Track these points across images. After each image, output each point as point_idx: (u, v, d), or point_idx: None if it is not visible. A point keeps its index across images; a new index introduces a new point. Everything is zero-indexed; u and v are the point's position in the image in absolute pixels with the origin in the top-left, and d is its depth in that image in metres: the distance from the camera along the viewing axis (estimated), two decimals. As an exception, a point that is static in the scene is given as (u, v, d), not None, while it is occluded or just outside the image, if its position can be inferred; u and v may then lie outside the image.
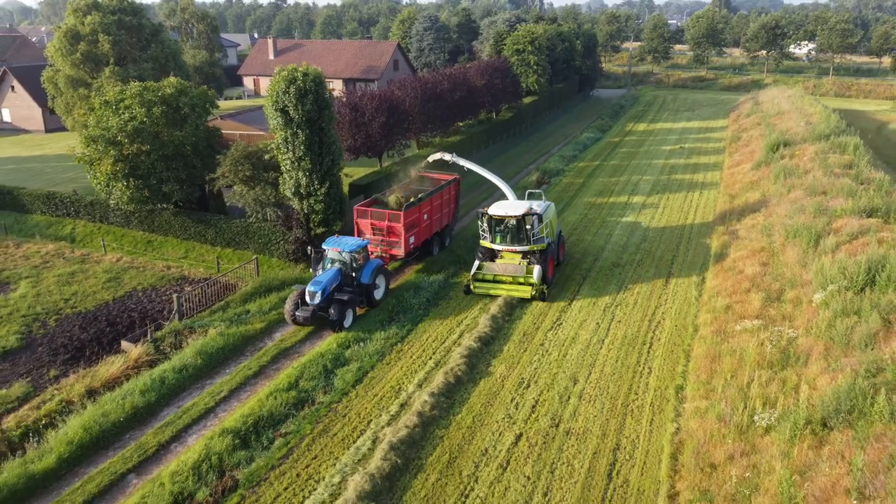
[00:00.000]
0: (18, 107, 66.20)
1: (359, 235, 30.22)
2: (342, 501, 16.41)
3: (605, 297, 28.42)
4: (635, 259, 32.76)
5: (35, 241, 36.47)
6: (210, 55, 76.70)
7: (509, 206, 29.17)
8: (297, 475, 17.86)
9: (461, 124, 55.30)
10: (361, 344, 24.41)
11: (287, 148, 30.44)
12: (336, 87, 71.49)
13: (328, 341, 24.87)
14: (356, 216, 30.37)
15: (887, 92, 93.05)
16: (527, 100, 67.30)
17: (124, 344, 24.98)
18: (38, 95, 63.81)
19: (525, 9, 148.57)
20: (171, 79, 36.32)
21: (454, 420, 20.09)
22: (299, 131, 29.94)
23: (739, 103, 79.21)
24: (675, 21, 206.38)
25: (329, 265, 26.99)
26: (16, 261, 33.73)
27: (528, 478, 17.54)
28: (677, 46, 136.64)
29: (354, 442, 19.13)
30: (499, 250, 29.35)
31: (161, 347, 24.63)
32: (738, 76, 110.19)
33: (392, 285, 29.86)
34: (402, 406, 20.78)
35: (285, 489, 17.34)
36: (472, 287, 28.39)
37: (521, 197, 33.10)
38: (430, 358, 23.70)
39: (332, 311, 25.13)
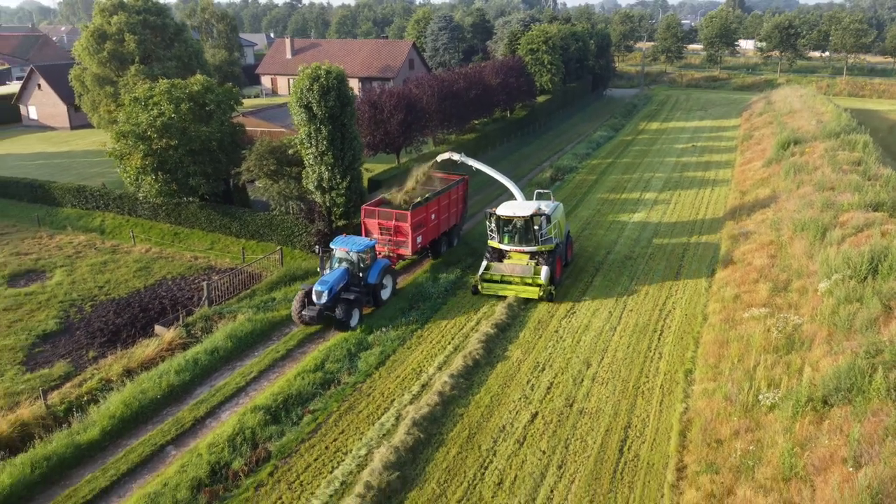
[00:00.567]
0: (44, 104, 67.89)
1: (366, 235, 30.28)
2: (369, 471, 17.51)
3: (617, 288, 29.37)
4: (647, 252, 33.66)
5: (67, 233, 37.89)
6: (229, 54, 78.16)
7: (517, 207, 29.21)
8: (326, 448, 18.99)
9: (476, 122, 56.32)
10: (384, 329, 25.51)
11: (310, 143, 31.58)
12: (353, 86, 72.63)
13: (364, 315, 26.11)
14: (363, 216, 30.49)
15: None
16: (541, 98, 68.22)
17: (157, 328, 26.24)
18: (64, 93, 65.47)
19: (539, 9, 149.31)
20: (198, 76, 37.66)
21: (473, 399, 21.16)
22: (322, 127, 31.07)
23: (752, 103, 79.70)
24: (688, 21, 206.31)
25: (336, 265, 26.99)
26: (50, 251, 35.13)
27: (544, 452, 18.57)
28: (690, 46, 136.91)
29: (379, 418, 20.24)
30: (507, 251, 29.33)
31: (192, 331, 25.85)
32: (751, 76, 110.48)
33: (411, 276, 30.90)
34: (423, 386, 21.86)
35: (315, 460, 18.47)
36: (479, 287, 28.44)
37: (529, 197, 33.34)
38: (449, 343, 24.76)
39: (338, 310, 25.07)
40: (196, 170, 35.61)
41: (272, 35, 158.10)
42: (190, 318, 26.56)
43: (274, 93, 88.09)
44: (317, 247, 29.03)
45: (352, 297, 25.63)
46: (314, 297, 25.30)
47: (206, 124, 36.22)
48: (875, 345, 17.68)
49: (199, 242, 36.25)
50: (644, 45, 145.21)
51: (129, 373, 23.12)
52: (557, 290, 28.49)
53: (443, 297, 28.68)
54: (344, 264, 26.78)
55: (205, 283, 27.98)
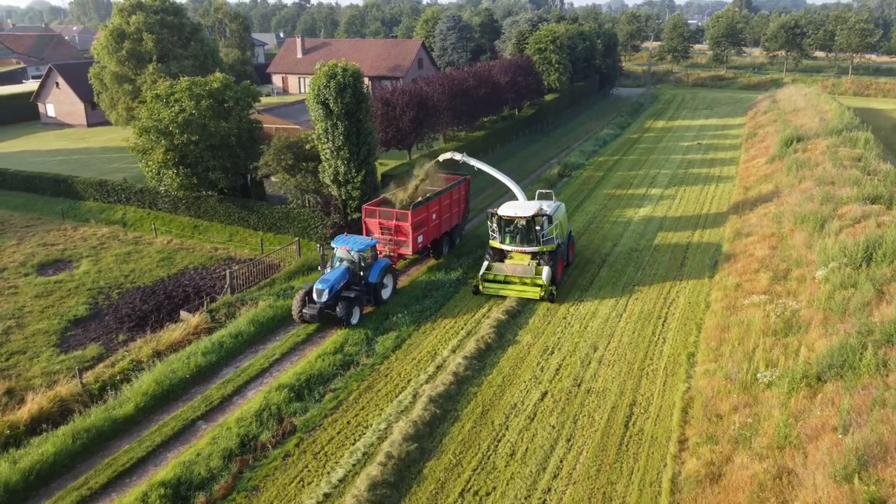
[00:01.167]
0: (62, 102, 69.36)
1: (367, 234, 30.37)
2: (389, 442, 18.68)
3: (623, 278, 30.44)
4: (652, 245, 34.71)
5: (90, 225, 39.22)
6: (242, 53, 79.52)
7: (519, 207, 29.18)
8: (348, 422, 20.15)
9: (486, 120, 57.43)
10: (399, 315, 26.67)
11: (327, 138, 32.74)
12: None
13: (367, 314, 27.18)
14: (364, 215, 30.59)
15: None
16: (548, 97, 69.31)
17: (183, 314, 27.46)
18: (81, 91, 66.96)
19: (546, 9, 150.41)
20: (217, 74, 38.89)
21: (486, 380, 22.29)
22: (339, 123, 32.22)
23: (757, 101, 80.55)
24: (695, 21, 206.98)
25: (337, 263, 27.14)
26: (75, 242, 36.44)
27: (553, 427, 19.69)
28: (697, 46, 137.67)
29: (397, 396, 21.40)
30: (508, 251, 29.29)
31: (216, 317, 27.06)
32: (757, 75, 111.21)
33: (423, 267, 32.01)
34: (438, 368, 23.01)
35: (338, 433, 19.64)
36: (480, 287, 28.46)
37: (531, 197, 33.47)
38: (462, 328, 25.90)
39: (338, 308, 25.17)
40: (215, 164, 36.83)
41: (281, 35, 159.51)
42: (213, 305, 27.78)
43: (285, 91, 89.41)
44: (318, 245, 29.10)
45: (352, 295, 25.71)
46: (315, 296, 25.44)
47: (225, 120, 37.42)
48: (867, 325, 18.74)
49: (218, 234, 37.47)
50: (650, 44, 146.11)
51: (157, 354, 24.33)
52: (561, 286, 29.43)
53: (455, 285, 29.77)
54: (345, 263, 26.90)
55: (228, 272, 29.22)
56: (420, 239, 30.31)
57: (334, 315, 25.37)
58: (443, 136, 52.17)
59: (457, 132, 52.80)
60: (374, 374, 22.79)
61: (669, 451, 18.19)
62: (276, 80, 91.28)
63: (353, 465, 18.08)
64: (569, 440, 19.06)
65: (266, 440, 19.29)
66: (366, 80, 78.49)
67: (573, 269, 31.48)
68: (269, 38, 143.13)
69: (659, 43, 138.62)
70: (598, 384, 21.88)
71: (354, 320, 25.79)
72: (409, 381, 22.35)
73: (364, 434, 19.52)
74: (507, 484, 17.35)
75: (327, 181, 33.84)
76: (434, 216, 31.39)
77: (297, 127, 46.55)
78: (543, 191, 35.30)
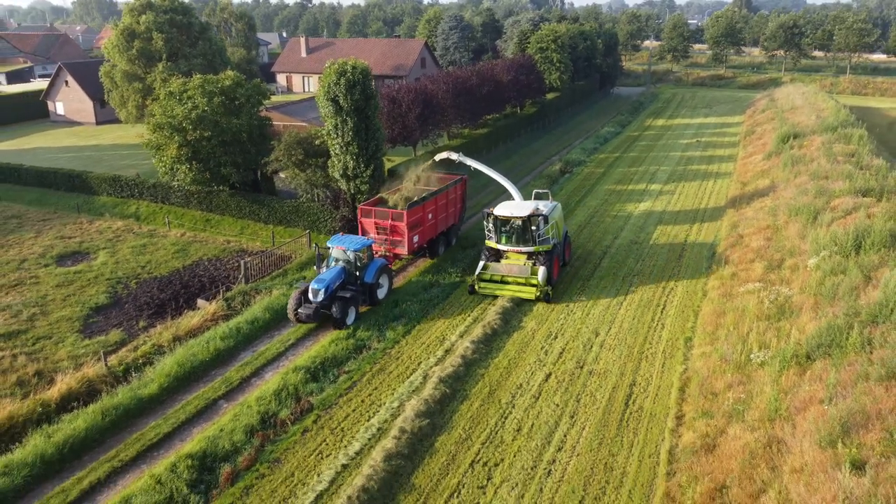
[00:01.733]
0: (71, 100, 70.42)
1: (363, 234, 30.47)
2: (402, 419, 19.76)
3: (623, 269, 31.51)
4: (651, 237, 35.79)
5: (105, 219, 40.30)
6: (248, 52, 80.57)
7: (515, 207, 29.18)
8: (362, 401, 21.23)
9: (488, 118, 58.49)
10: (408, 303, 27.74)
11: (337, 134, 33.74)
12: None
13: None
14: (360, 215, 30.64)
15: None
16: (550, 96, 70.38)
17: (200, 302, 28.53)
18: (90, 90, 68.02)
19: (548, 9, 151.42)
20: (229, 72, 39.94)
21: (492, 362, 23.37)
22: (348, 119, 33.22)
23: (756, 100, 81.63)
24: (695, 21, 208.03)
25: (333, 263, 27.11)
26: (91, 235, 37.51)
27: (557, 405, 20.77)
28: (696, 46, 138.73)
29: (408, 377, 22.48)
30: (504, 251, 29.27)
31: (232, 305, 28.12)
32: (756, 75, 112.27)
33: (433, 260, 33.03)
34: (447, 351, 24.10)
35: (353, 411, 20.72)
36: (476, 287, 28.41)
37: (527, 196, 34.02)
38: (469, 315, 26.98)
39: (334, 308, 25.17)
40: (227, 160, 37.86)
41: (284, 34, 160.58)
42: (229, 294, 28.85)
43: (289, 90, 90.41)
44: (314, 244, 29.28)
45: (348, 295, 25.74)
46: (310, 296, 25.52)
47: (236, 117, 38.43)
48: (854, 308, 19.82)
49: (230, 228, 38.51)
50: (651, 44, 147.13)
51: (177, 340, 25.38)
52: (564, 276, 30.44)
53: (461, 275, 30.80)
54: (341, 263, 26.90)
55: (242, 262, 30.28)
56: (416, 239, 30.34)
57: (330, 315, 25.38)
58: (447, 134, 53.20)
59: (460, 129, 53.85)
60: (385, 358, 23.87)
61: (667, 426, 19.28)
62: (281, 79, 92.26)
63: (369, 440, 19.16)
64: (572, 417, 20.14)
65: (285, 417, 20.36)
66: (370, 79, 79.70)
67: (575, 260, 32.56)
68: (271, 38, 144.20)
69: (659, 43, 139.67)
70: (600, 366, 22.96)
71: (350, 320, 25.77)
72: (419, 363, 23.43)
73: (378, 412, 20.59)
74: (515, 456, 18.43)
75: (336, 176, 34.85)
76: (430, 216, 31.38)
77: (304, 124, 47.59)
78: (540, 191, 35.65)
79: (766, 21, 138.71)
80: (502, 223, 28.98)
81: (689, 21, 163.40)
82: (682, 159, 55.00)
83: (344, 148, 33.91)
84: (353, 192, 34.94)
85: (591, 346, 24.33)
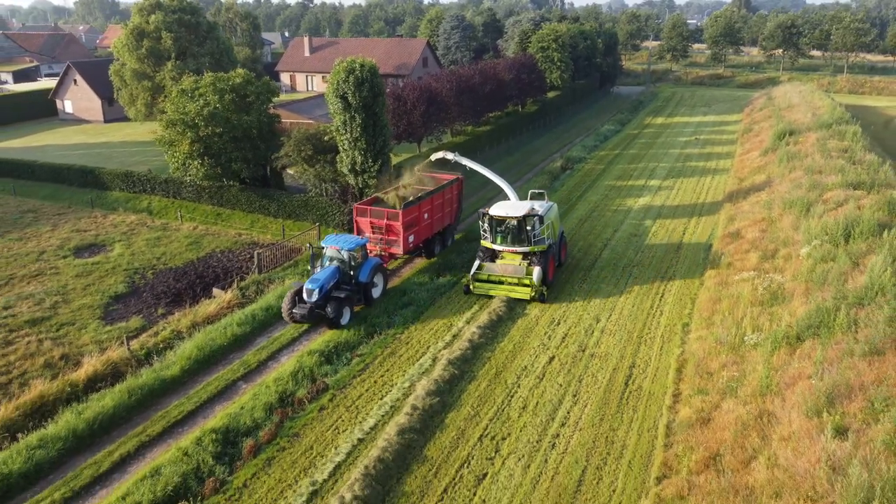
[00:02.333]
0: (80, 99, 71.53)
1: (358, 234, 30.44)
2: (414, 397, 20.84)
3: (623, 260, 32.60)
4: (651, 230, 36.87)
5: (119, 213, 41.38)
6: (252, 52, 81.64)
7: (510, 207, 29.15)
8: (375, 382, 22.32)
9: (491, 115, 59.58)
10: (416, 291, 28.82)
11: (345, 130, 34.84)
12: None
13: (394, 283, 29.34)
14: (356, 214, 30.63)
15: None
16: (551, 94, 71.48)
17: (215, 291, 29.60)
18: (98, 88, 69.13)
19: (548, 9, 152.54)
20: (240, 70, 41.03)
21: (498, 346, 24.46)
22: (356, 115, 34.31)
23: (754, 99, 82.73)
24: (694, 20, 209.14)
25: (328, 263, 27.08)
26: (106, 228, 38.60)
27: (561, 385, 21.85)
28: (696, 45, 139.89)
29: (418, 360, 23.58)
30: (499, 251, 29.27)
31: (247, 293, 29.20)
32: (754, 74, 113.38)
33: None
34: (454, 336, 25.18)
35: (367, 390, 21.81)
36: (471, 287, 28.38)
37: (523, 197, 33.66)
38: (476, 302, 28.05)
39: (329, 308, 25.05)
40: (238, 155, 38.91)
41: (286, 34, 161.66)
42: (243, 283, 29.93)
43: (293, 89, 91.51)
44: (308, 244, 29.34)
45: (342, 295, 25.60)
46: (305, 296, 25.41)
47: (246, 114, 39.49)
48: (842, 292, 20.91)
49: (240, 222, 39.56)
50: (650, 44, 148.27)
51: (195, 326, 26.44)
52: (566, 267, 31.45)
53: (468, 266, 31.80)
54: (335, 262, 26.86)
55: (256, 253, 31.37)
56: (411, 239, 30.37)
57: (324, 315, 25.31)
58: (451, 131, 54.27)
59: (464, 127, 54.93)
60: (395, 342, 24.95)
61: (665, 403, 20.37)
62: (284, 78, 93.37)
63: (382, 416, 20.25)
64: (574, 396, 21.23)
65: (302, 396, 21.43)
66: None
67: (577, 252, 33.64)
68: (274, 38, 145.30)
69: (658, 42, 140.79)
70: (601, 350, 24.06)
71: (344, 320, 25.69)
72: (428, 347, 24.51)
73: (390, 391, 21.68)
74: (521, 431, 19.52)
75: (345, 171, 35.94)
76: (426, 216, 31.38)
77: (311, 121, 48.66)
78: (535, 191, 35.71)
79: (764, 21, 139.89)
80: (498, 223, 28.89)
81: (689, 21, 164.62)
82: (680, 156, 56.09)
83: (352, 143, 34.99)
84: (361, 186, 36.02)
85: (593, 332, 25.41)
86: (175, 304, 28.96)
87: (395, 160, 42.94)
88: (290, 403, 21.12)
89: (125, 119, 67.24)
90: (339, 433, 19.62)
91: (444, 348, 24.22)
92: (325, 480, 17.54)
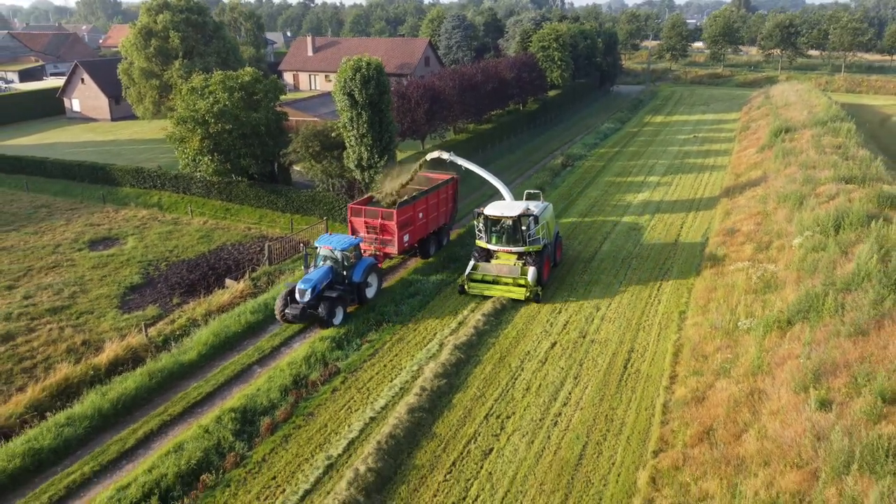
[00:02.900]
0: (87, 97, 72.56)
1: (353, 234, 30.40)
2: (422, 379, 21.83)
3: (623, 252, 33.60)
4: (649, 224, 37.86)
5: (130, 208, 42.40)
6: (256, 51, 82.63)
7: (505, 207, 29.04)
8: (384, 365, 23.33)
9: (493, 114, 60.58)
10: (422, 283, 29.82)
11: (352, 126, 35.81)
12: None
13: (395, 280, 30.31)
14: (350, 214, 30.61)
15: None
16: (551, 93, 72.47)
17: (228, 281, 30.61)
18: (105, 87, 70.15)
19: (549, 8, 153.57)
20: (248, 68, 42.02)
21: (502, 333, 25.46)
22: (363, 112, 35.29)
23: (752, 98, 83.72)
24: (694, 20, 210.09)
25: (321, 263, 27.06)
26: (119, 222, 39.61)
27: (562, 368, 22.86)
28: (695, 45, 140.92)
29: (426, 345, 24.57)
30: (494, 251, 29.26)
31: (258, 284, 30.19)
32: (753, 73, 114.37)
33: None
34: (460, 323, 26.17)
35: (377, 373, 22.81)
36: (466, 287, 28.40)
37: (517, 197, 33.39)
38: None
39: (321, 308, 25.12)
40: (247, 151, 39.89)
41: (288, 34, 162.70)
42: (255, 274, 30.93)
43: (296, 88, 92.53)
44: (302, 244, 29.28)
45: (335, 294, 25.63)
46: (297, 296, 25.44)
47: (255, 111, 40.48)
48: (831, 279, 21.91)
49: (249, 216, 40.57)
50: (650, 43, 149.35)
51: (209, 315, 27.44)
52: (566, 258, 32.40)
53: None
54: (328, 262, 26.84)
55: (267, 244, 32.37)
56: (406, 238, 30.41)
57: (317, 315, 25.35)
58: (453, 128, 55.23)
59: (466, 125, 55.92)
60: (403, 329, 25.96)
61: (662, 384, 21.36)
62: (287, 77, 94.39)
63: (393, 397, 21.25)
64: (576, 378, 22.23)
65: (315, 379, 22.42)
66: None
67: (577, 245, 34.64)
68: (276, 37, 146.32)
69: (658, 42, 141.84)
70: (601, 336, 25.06)
71: (337, 320, 25.68)
72: (434, 333, 25.52)
73: (399, 374, 22.68)
74: (524, 410, 20.52)
75: (351, 166, 36.93)
76: (420, 215, 31.35)
77: (316, 119, 49.66)
78: (531, 191, 35.74)
79: (763, 21, 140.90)
80: (493, 223, 28.88)
81: (689, 21, 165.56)
82: (679, 153, 57.08)
83: (359, 140, 35.97)
84: (367, 181, 36.99)
85: (593, 319, 26.41)
86: (189, 294, 29.96)
87: (402, 156, 43.95)
88: (303, 385, 22.10)
89: (132, 117, 68.27)
90: (351, 412, 20.62)
91: (451, 334, 25.21)
92: (339, 455, 18.54)
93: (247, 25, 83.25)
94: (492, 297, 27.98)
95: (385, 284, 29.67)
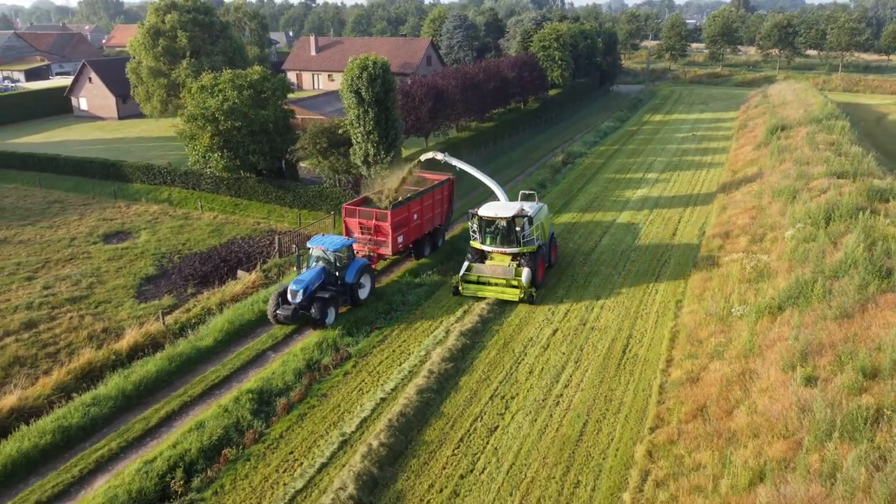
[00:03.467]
0: (95, 96, 73.60)
1: (347, 234, 30.39)
2: (430, 363, 22.88)
3: (622, 245, 34.64)
4: (648, 219, 38.90)
5: (141, 203, 43.45)
6: (261, 51, 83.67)
7: (499, 208, 28.98)
8: (393, 350, 24.38)
9: (494, 112, 61.63)
10: (429, 273, 30.87)
11: (359, 123, 36.79)
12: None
13: (401, 272, 31.35)
14: (344, 215, 30.67)
15: (893, 87, 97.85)
16: (552, 92, 73.49)
17: (240, 272, 31.65)
18: (113, 86, 71.22)
19: (549, 8, 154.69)
20: (257, 67, 43.08)
21: (506, 320, 26.50)
22: (370, 109, 36.28)
23: (750, 97, 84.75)
24: (694, 20, 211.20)
25: (314, 263, 27.13)
26: (131, 217, 40.67)
27: (564, 353, 23.91)
28: (694, 45, 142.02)
29: (432, 332, 25.62)
30: (488, 252, 29.19)
31: (269, 275, 31.24)
32: (751, 73, 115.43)
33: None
34: (465, 312, 27.21)
35: (386, 357, 23.87)
36: (460, 288, 28.37)
37: (512, 198, 33.67)
38: (483, 283, 30.09)
39: (313, 309, 25.13)
40: (255, 148, 40.93)
41: (291, 34, 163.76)
42: (266, 266, 31.98)
43: (299, 88, 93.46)
44: (294, 246, 29.41)
45: (327, 295, 25.63)
46: (289, 297, 25.43)
47: (263, 109, 41.52)
48: (820, 267, 22.96)
49: (258, 211, 41.60)
50: (649, 43, 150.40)
51: (223, 304, 28.48)
52: (566, 251, 33.44)
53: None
54: (321, 263, 26.89)
55: (277, 237, 33.45)
56: (400, 239, 30.40)
57: (309, 316, 25.39)
58: (456, 126, 56.25)
59: (468, 123, 56.96)
60: (410, 317, 27.01)
61: (658, 367, 22.43)
62: (291, 76, 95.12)
63: (402, 379, 22.29)
64: (576, 362, 23.28)
65: (327, 363, 23.47)
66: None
67: (577, 238, 35.68)
68: (278, 37, 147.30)
69: (657, 42, 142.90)
70: (601, 323, 26.11)
71: (329, 321, 25.67)
72: (441, 321, 26.57)
73: (408, 358, 23.74)
74: (528, 391, 21.56)
75: (358, 162, 37.93)
76: (415, 216, 31.37)
77: (322, 117, 50.70)
78: (526, 191, 36.06)
79: (761, 21, 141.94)
80: (487, 224, 28.79)
81: (689, 21, 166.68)
82: (678, 151, 58.12)
83: (365, 136, 36.96)
84: (373, 177, 37.97)
85: (593, 308, 27.46)
86: (202, 285, 31.00)
87: (407, 152, 44.99)
88: (316, 369, 23.14)
89: (139, 116, 69.26)
90: (363, 394, 21.66)
91: (456, 322, 26.25)
92: (352, 432, 19.59)
93: (251, 25, 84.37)
94: (485, 298, 28.00)
95: (385, 282, 30.44)
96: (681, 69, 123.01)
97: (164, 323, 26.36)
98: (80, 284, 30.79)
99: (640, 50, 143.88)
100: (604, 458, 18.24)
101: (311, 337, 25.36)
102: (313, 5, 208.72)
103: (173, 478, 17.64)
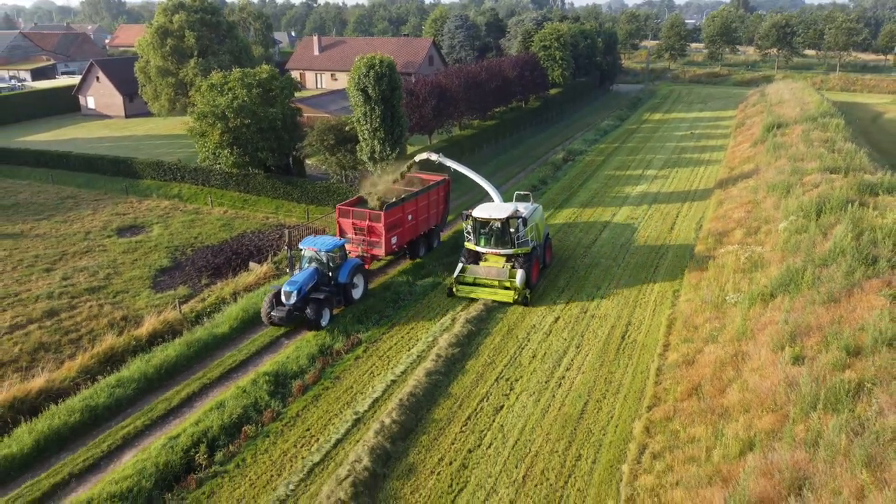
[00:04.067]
0: (102, 95, 74.69)
1: (340, 235, 30.48)
2: (437, 348, 23.95)
3: (621, 239, 35.69)
4: (647, 214, 39.95)
5: (152, 199, 44.52)
6: (265, 50, 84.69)
7: (494, 209, 28.81)
8: (402, 336, 25.43)
9: (496, 111, 62.68)
10: (434, 265, 31.92)
11: (365, 120, 37.87)
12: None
13: (405, 265, 32.39)
14: (338, 215, 30.80)
15: (890, 87, 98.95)
16: (553, 91, 74.55)
17: (252, 264, 32.71)
18: (120, 85, 72.29)
19: (549, 8, 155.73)
20: (265, 66, 44.11)
21: (510, 309, 27.55)
22: (376, 107, 37.34)
23: (748, 96, 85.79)
24: (693, 20, 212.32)
25: (307, 264, 27.22)
26: (143, 212, 41.72)
27: (565, 339, 24.97)
28: (693, 45, 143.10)
29: (439, 320, 26.67)
30: (483, 253, 29.17)
31: (280, 267, 32.28)
32: (750, 72, 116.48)
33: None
34: (470, 301, 28.24)
35: (395, 343, 24.92)
36: (454, 290, 28.39)
37: (507, 199, 33.58)
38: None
39: (308, 310, 25.23)
40: (264, 145, 41.99)
41: (293, 34, 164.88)
42: (276, 258, 33.03)
43: (302, 87, 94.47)
44: (286, 247, 29.11)
45: (321, 296, 25.68)
46: (283, 298, 25.47)
47: (271, 106, 42.56)
48: (810, 256, 24.01)
49: (266, 206, 42.65)
50: (649, 43, 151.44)
51: (236, 294, 29.54)
52: (566, 247, 34.49)
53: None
54: (314, 264, 27.01)
55: (286, 230, 34.41)
56: (394, 240, 30.34)
57: (304, 317, 25.49)
58: (459, 124, 57.31)
59: (471, 121, 58.03)
60: (417, 306, 28.07)
61: (656, 352, 23.50)
62: (294, 75, 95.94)
63: (411, 363, 23.37)
64: (578, 347, 24.35)
65: (339, 348, 24.53)
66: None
67: (578, 232, 36.73)
68: (281, 37, 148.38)
69: (657, 42, 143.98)
70: (601, 311, 27.17)
71: (324, 321, 25.76)
72: (447, 310, 27.61)
73: (416, 344, 24.80)
74: (531, 374, 22.63)
75: (364, 159, 38.98)
76: (409, 217, 31.32)
77: (328, 115, 51.77)
78: (521, 192, 36.22)
79: (760, 21, 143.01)
80: (481, 225, 28.65)
81: (688, 21, 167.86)
82: (676, 149, 59.18)
83: (372, 133, 38.03)
84: (379, 173, 39.03)
85: (594, 298, 28.52)
86: (215, 276, 32.06)
87: (411, 149, 46.04)
88: (329, 354, 24.20)
89: (146, 114, 70.38)
90: (374, 376, 22.72)
91: (462, 310, 27.31)
92: (365, 411, 20.66)
93: (255, 25, 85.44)
94: (479, 299, 27.89)
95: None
96: (680, 69, 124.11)
97: (180, 311, 27.42)
98: (98, 275, 31.84)
99: (640, 50, 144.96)
100: (604, 434, 19.30)
101: (322, 324, 26.39)
102: (315, 5, 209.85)
103: (197, 452, 18.70)
